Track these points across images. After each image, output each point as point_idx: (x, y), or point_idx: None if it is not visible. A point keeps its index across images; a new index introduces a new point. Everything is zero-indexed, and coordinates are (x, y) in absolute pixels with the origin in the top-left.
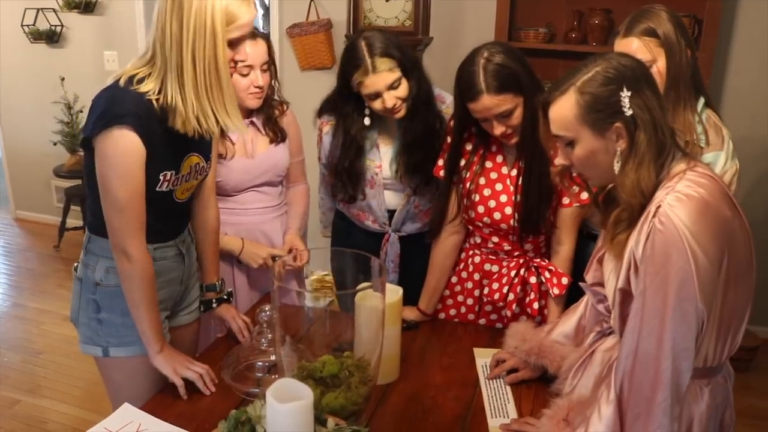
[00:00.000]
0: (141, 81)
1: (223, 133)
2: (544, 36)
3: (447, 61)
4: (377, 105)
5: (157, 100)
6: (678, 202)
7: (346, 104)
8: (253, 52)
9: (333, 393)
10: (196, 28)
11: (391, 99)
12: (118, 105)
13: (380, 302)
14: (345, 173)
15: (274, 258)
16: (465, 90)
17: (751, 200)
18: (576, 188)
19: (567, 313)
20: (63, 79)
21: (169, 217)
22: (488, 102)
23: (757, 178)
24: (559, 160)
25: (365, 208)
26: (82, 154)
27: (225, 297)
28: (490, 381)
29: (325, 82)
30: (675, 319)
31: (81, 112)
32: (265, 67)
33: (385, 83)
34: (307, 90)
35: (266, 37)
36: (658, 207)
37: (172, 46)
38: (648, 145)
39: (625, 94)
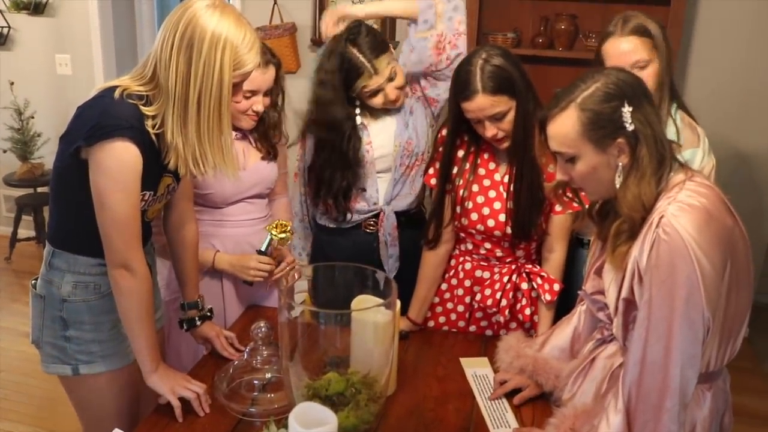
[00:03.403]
0: (141, 98)
1: None
2: (512, 41)
3: None
4: (378, 100)
5: (157, 134)
6: (681, 212)
7: (337, 114)
8: (260, 79)
9: (343, 412)
10: (205, 73)
11: (392, 91)
12: (118, 117)
13: (389, 318)
14: (346, 158)
15: (259, 251)
16: (460, 89)
17: None
18: (567, 198)
19: (559, 325)
20: (12, 83)
21: None
22: (482, 102)
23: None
24: (558, 176)
25: (357, 193)
26: (35, 161)
27: (208, 314)
28: (485, 391)
29: (290, 87)
30: (682, 327)
31: (32, 117)
32: (267, 92)
33: (384, 78)
34: None
35: (278, 65)
36: (662, 217)
37: (177, 83)
38: (650, 159)
39: (627, 110)
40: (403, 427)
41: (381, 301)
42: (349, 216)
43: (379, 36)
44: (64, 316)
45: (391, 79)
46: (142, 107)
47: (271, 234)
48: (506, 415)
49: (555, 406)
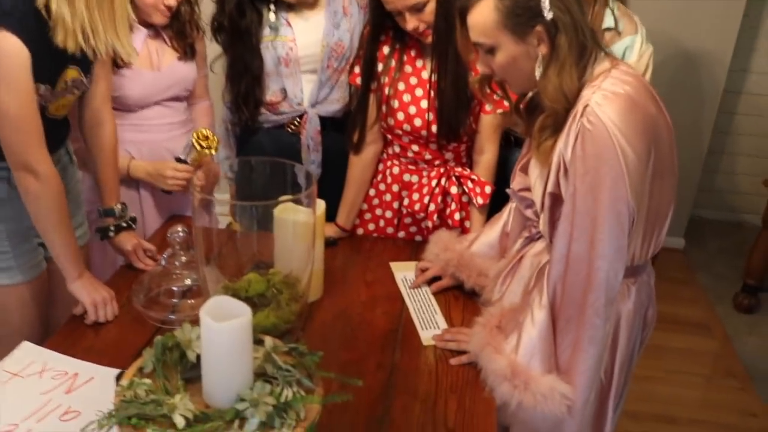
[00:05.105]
0: None
1: None
2: None
3: None
4: None
5: (46, 6)
6: (605, 99)
7: (232, 17)
8: None
9: (263, 312)
10: None
11: None
12: None
13: (309, 216)
14: (242, 63)
15: (178, 159)
16: None
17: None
18: (497, 96)
19: (490, 222)
20: None
21: None
22: None
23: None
24: (480, 69)
25: (279, 94)
26: None
27: (125, 224)
28: (414, 294)
29: None
30: (608, 219)
31: None
32: None
33: None
34: None
35: None
36: (586, 106)
37: None
38: (569, 48)
39: None
40: (329, 331)
41: (300, 198)
42: (260, 119)
43: None
44: None
45: None
46: None
47: (195, 147)
48: (435, 317)
49: (484, 307)
